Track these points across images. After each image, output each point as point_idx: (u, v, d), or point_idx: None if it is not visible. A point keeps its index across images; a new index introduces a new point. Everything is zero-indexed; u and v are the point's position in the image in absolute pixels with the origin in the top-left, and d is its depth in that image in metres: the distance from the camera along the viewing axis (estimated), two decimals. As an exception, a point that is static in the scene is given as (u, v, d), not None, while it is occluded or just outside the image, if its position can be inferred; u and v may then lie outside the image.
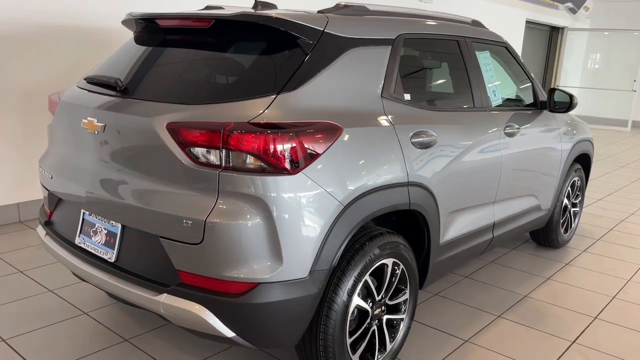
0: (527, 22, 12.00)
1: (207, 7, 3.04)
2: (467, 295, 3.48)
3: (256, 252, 1.95)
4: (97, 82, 2.43)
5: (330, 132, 2.09)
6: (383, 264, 2.40)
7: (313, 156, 2.02)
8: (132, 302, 2.22)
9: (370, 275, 2.36)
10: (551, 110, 3.73)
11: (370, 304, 2.39)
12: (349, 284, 2.21)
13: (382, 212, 2.31)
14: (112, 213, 2.25)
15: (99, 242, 2.34)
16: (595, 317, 3.28)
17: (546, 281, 3.79)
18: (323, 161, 2.05)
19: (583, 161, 4.52)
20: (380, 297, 2.44)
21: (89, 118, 2.30)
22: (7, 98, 4.24)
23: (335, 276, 2.18)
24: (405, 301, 2.60)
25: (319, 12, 2.49)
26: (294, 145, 1.97)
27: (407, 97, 2.65)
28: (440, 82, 3.21)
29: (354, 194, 2.15)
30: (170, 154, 2.01)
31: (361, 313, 2.39)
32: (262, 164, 1.94)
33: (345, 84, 2.30)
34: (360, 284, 2.28)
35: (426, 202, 2.57)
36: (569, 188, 4.28)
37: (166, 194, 2.05)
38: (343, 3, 2.60)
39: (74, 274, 2.55)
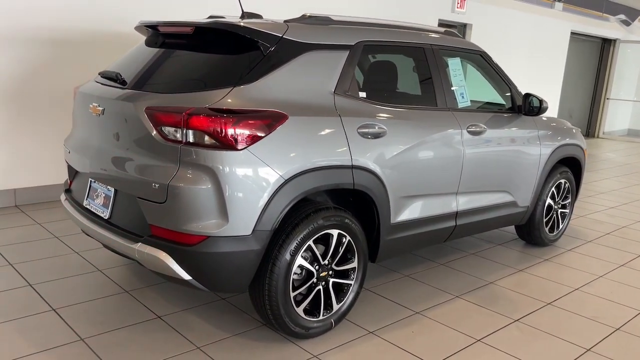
0: (573, 33, 11.99)
1: (210, 17, 3.59)
2: (436, 279, 3.85)
3: (206, 211, 2.46)
4: (105, 76, 3.03)
5: (276, 118, 2.57)
6: (328, 234, 2.85)
7: (258, 137, 2.50)
8: (118, 250, 2.78)
9: (316, 242, 2.81)
10: (525, 114, 4.05)
11: (317, 266, 2.84)
12: (292, 245, 2.67)
13: (325, 188, 2.77)
14: (108, 180, 2.83)
15: (99, 204, 2.92)
16: (549, 303, 3.57)
17: (517, 272, 4.09)
18: (268, 142, 2.53)
19: (572, 165, 4.76)
20: (326, 262, 2.88)
21: (93, 104, 2.89)
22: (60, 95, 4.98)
23: (280, 238, 2.65)
24: (353, 269, 3.03)
25: (285, 21, 2.98)
26: (241, 127, 2.46)
27: (362, 94, 3.09)
28: (398, 83, 3.62)
29: (295, 170, 2.61)
30: (147, 132, 2.56)
31: (308, 273, 2.84)
32: (214, 141, 2.44)
33: (299, 80, 2.78)
34: (304, 247, 2.73)
35: (373, 184, 2.99)
36: (553, 189, 4.53)
37: (143, 163, 2.60)
38: (309, 14, 3.08)
39: (82, 230, 3.15)
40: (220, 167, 2.44)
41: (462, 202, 3.69)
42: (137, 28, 3.29)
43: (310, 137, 2.70)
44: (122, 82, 2.88)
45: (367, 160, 2.94)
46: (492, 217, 4.00)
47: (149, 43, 3.19)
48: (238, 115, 2.48)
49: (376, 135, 3.00)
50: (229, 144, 2.45)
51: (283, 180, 2.58)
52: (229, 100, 2.52)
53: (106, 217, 2.85)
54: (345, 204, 3.12)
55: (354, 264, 3.03)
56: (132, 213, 2.70)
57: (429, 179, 3.38)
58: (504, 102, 4.19)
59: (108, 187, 2.85)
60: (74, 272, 3.57)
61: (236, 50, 2.77)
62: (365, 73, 3.44)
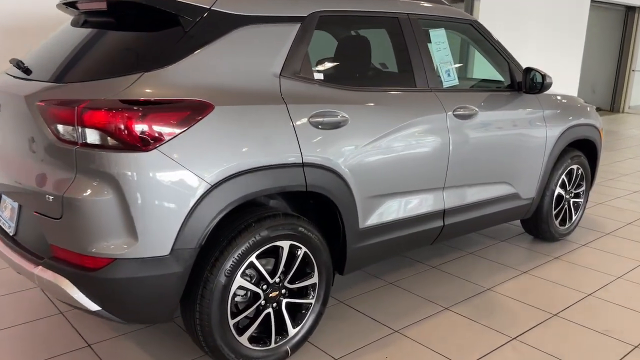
0: (593, 1, 11.15)
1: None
2: (424, 286, 3.34)
3: (110, 228, 1.99)
4: (14, 64, 2.56)
5: (198, 109, 2.08)
6: (277, 247, 2.36)
7: (172, 134, 2.01)
8: (21, 273, 2.33)
9: (261, 257, 2.33)
10: (525, 92, 3.48)
11: (264, 286, 2.36)
12: (227, 264, 2.19)
13: (267, 193, 2.28)
14: (10, 190, 2.37)
15: (7, 216, 2.47)
16: (555, 315, 3.04)
17: (521, 275, 3.55)
18: (186, 139, 2.04)
19: (586, 148, 4.17)
20: (276, 279, 2.39)
21: (-6, 98, 2.43)
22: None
23: (211, 256, 2.18)
24: (313, 286, 2.54)
25: (219, -10, 2.47)
26: (149, 122, 1.98)
27: (319, 76, 2.57)
28: (366, 62, 3.08)
29: (225, 172, 2.12)
30: (41, 131, 2.09)
31: (254, 295, 2.37)
32: (115, 140, 1.96)
33: (231, 62, 2.27)
34: (245, 265, 2.25)
35: (332, 184, 2.49)
36: (563, 177, 3.96)
37: (39, 170, 2.13)
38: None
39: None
40: (124, 173, 1.96)
41: (451, 198, 3.16)
42: (59, 6, 2.81)
43: (245, 130, 2.20)
44: (26, 71, 2.41)
45: (324, 156, 2.44)
46: (490, 213, 3.46)
47: (73, 23, 2.71)
48: (145, 107, 1.99)
49: (335, 125, 2.49)
50: (134, 144, 1.97)
51: (208, 186, 2.09)
52: (137, 89, 2.03)
53: (11, 233, 2.40)
54: (307, 209, 2.64)
55: (314, 280, 2.54)
56: (34, 230, 2.25)
57: (407, 173, 2.86)
58: (502, 80, 3.62)
59: (12, 198, 2.40)
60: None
61: (152, 28, 2.28)
62: (320, 50, 2.91)
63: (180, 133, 2.03)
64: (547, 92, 3.69)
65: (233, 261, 2.21)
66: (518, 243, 4.13)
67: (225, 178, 2.13)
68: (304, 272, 2.52)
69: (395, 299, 3.16)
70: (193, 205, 2.06)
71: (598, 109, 12.96)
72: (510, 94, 3.52)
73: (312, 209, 2.67)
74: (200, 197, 2.07)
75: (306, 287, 2.53)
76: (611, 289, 3.38)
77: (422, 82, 2.97)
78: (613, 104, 13.33)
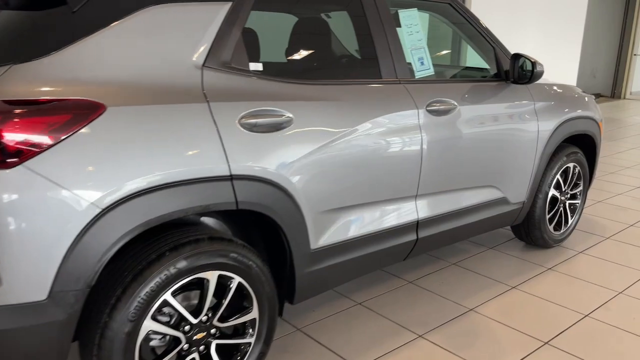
0: (593, -18, 10.63)
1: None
2: (397, 307, 2.90)
3: (-34, 267, 1.54)
4: None
5: (83, 111, 1.63)
6: (200, 279, 1.91)
7: (44, 144, 1.56)
8: None
9: (183, 291, 1.90)
10: (514, 82, 3.02)
11: (186, 327, 1.92)
12: (132, 306, 1.75)
13: (181, 214, 1.82)
14: None
15: None
16: (546, 343, 2.60)
17: (509, 291, 3.11)
18: (65, 151, 1.59)
19: (583, 143, 3.71)
20: (202, 318, 1.95)
21: None
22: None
23: (110, 297, 1.73)
24: (252, 322, 2.10)
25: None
26: (12, 128, 1.52)
27: (256, 67, 2.11)
28: (320, 48, 2.62)
29: (121, 192, 1.67)
30: None
31: (175, 339, 1.92)
32: (-33, 155, 1.51)
33: (135, 50, 1.82)
34: (156, 305, 1.81)
35: (273, 200, 2.04)
36: (558, 177, 3.51)
37: None
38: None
39: None
40: (-22, 197, 1.51)
41: (426, 208, 2.71)
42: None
43: (150, 137, 1.74)
44: None
45: (260, 165, 1.98)
46: (473, 221, 3.01)
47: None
48: (8, 110, 1.53)
49: (275, 127, 2.03)
50: (-7, 159, 1.51)
51: (98, 210, 1.64)
52: (3, 87, 1.57)
53: None
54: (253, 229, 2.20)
55: (253, 315, 2.10)
56: None
57: (370, 182, 2.41)
58: (487, 68, 3.16)
59: None
60: None
61: (26, 5, 1.82)
62: (258, 35, 2.45)
63: (58, 143, 1.58)
64: (541, 81, 3.24)
65: (140, 302, 1.76)
66: (508, 251, 3.69)
67: (122, 199, 1.67)
68: (241, 306, 2.07)
69: (362, 325, 2.72)
70: (77, 236, 1.61)
71: (599, 95, 12.48)
72: (497, 84, 3.06)
73: (260, 229, 2.23)
74: (88, 224, 1.62)
75: (243, 324, 2.09)
76: (611, 308, 2.94)
77: (388, 73, 2.51)
78: (614, 89, 12.84)
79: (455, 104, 2.72)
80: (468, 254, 3.62)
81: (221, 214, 2.19)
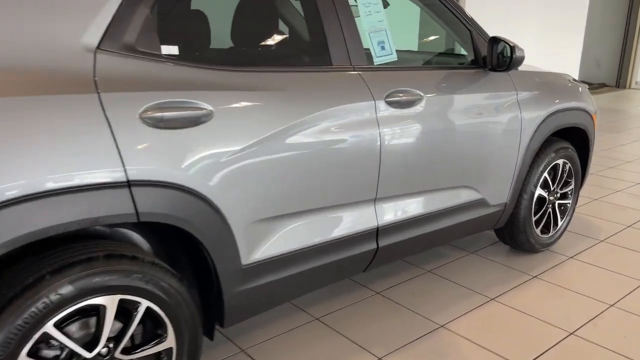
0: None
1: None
2: (357, 324, 2.58)
3: None
4: None
5: None
6: (92, 306, 1.59)
7: None
8: None
9: (74, 320, 1.58)
10: (491, 69, 2.68)
11: (81, 362, 1.61)
12: None
13: (61, 230, 1.50)
14: None
15: None
16: (522, 368, 2.28)
17: (486, 303, 2.79)
18: None
19: (576, 137, 3.37)
20: (101, 351, 1.64)
21: None
22: None
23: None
24: (168, 352, 1.79)
25: None
26: None
27: (170, 50, 1.78)
28: (255, 29, 2.29)
29: None
30: None
31: (68, 375, 1.61)
32: None
33: (8, 27, 1.49)
34: (33, 340, 1.50)
35: (189, 209, 1.72)
36: (545, 175, 3.17)
37: None
38: None
39: None
40: None
41: (388, 213, 2.39)
42: None
43: (16, 135, 1.42)
44: None
45: (168, 168, 1.66)
46: (445, 226, 2.68)
47: None
48: None
49: (191, 122, 1.71)
50: None
51: None
52: None
53: None
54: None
55: (169, 344, 1.78)
56: None
57: (314, 185, 2.08)
58: (465, 54, 2.82)
59: None
60: None
61: None
62: (173, 11, 2.12)
63: None
64: (527, 68, 2.90)
65: (10, 337, 1.45)
66: (491, 256, 3.36)
67: None
68: (155, 334, 1.76)
69: (314, 345, 2.40)
70: None
71: (603, 85, 12.05)
72: (474, 72, 2.72)
73: (180, 243, 1.91)
74: None
75: (157, 354, 1.78)
76: (601, 325, 2.61)
77: (340, 58, 2.18)
78: (619, 79, 12.39)
79: (422, 94, 2.38)
80: (446, 259, 3.29)
81: (137, 226, 1.87)
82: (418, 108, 2.37)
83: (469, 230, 2.93)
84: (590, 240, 3.60)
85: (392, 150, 2.28)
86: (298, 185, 2.01)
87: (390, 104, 2.26)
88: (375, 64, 2.32)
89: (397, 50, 2.41)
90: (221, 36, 2.22)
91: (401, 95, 2.30)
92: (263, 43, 2.32)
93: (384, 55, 2.34)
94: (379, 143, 2.23)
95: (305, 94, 2.02)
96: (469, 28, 2.71)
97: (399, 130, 2.30)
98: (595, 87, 11.53)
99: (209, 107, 1.74)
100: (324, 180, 2.09)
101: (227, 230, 1.84)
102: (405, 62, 2.72)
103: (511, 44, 2.57)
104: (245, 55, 2.16)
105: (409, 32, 4.13)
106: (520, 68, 2.85)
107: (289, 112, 1.95)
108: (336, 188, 2.15)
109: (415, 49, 3.34)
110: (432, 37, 2.77)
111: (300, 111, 1.98)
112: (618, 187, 4.80)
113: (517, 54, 2.57)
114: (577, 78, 3.44)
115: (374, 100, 2.21)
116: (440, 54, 3.07)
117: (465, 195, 2.73)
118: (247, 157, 1.83)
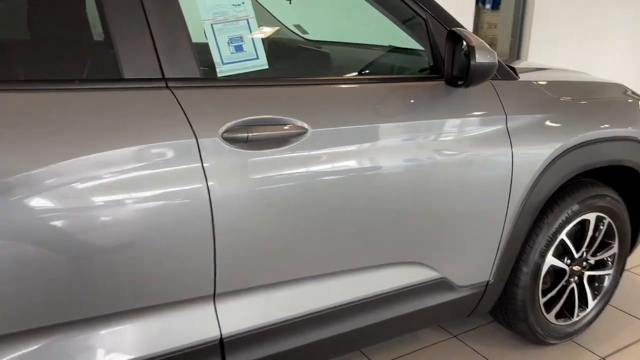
0: None
1: None
2: None
3: None
4: None
5: None
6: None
7: None
8: None
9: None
10: (449, 82, 1.67)
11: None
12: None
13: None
14: None
15: None
16: None
17: None
18: None
19: (621, 180, 2.24)
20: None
21: None
22: None
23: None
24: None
25: None
26: None
27: None
28: None
29: None
30: None
31: None
32: None
33: None
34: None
35: None
36: (563, 236, 2.07)
37: None
38: None
39: None
40: None
41: (241, 314, 1.49)
42: None
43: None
44: None
45: None
46: (360, 327, 1.72)
47: None
48: None
49: None
50: None
51: None
52: None
53: None
54: None
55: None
56: None
57: (90, 280, 1.25)
58: (421, 53, 1.83)
59: None
60: None
61: None
62: None
63: None
64: (534, 74, 1.89)
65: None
66: (479, 344, 2.33)
67: None
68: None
69: None
70: None
71: None
72: (434, 85, 1.73)
73: None
74: None
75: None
76: None
77: (140, 68, 1.30)
78: None
79: (306, 126, 1.45)
80: (416, 344, 2.31)
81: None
82: (295, 149, 1.43)
83: (419, 325, 1.95)
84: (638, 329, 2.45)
85: (240, 217, 1.38)
86: (44, 287, 1.17)
87: (231, 142, 1.35)
88: (218, 75, 1.41)
89: (308, 47, 1.50)
90: None
91: (258, 128, 1.38)
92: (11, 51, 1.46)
93: (240, 61, 1.43)
94: (207, 206, 1.33)
95: (59, 126, 1.18)
96: (422, 14, 1.71)
97: (254, 186, 1.39)
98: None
99: None
100: (93, 275, 1.24)
101: None
102: (291, 71, 1.78)
103: (471, 43, 1.54)
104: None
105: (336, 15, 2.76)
106: (547, 73, 1.84)
107: (24, 159, 1.12)
108: (124, 286, 1.29)
109: (347, 40, 2.30)
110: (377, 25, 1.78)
111: (47, 156, 1.14)
112: None
113: (479, 60, 1.53)
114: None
115: (195, 137, 1.31)
116: (390, 51, 2.05)
117: (406, 276, 1.76)
118: None
